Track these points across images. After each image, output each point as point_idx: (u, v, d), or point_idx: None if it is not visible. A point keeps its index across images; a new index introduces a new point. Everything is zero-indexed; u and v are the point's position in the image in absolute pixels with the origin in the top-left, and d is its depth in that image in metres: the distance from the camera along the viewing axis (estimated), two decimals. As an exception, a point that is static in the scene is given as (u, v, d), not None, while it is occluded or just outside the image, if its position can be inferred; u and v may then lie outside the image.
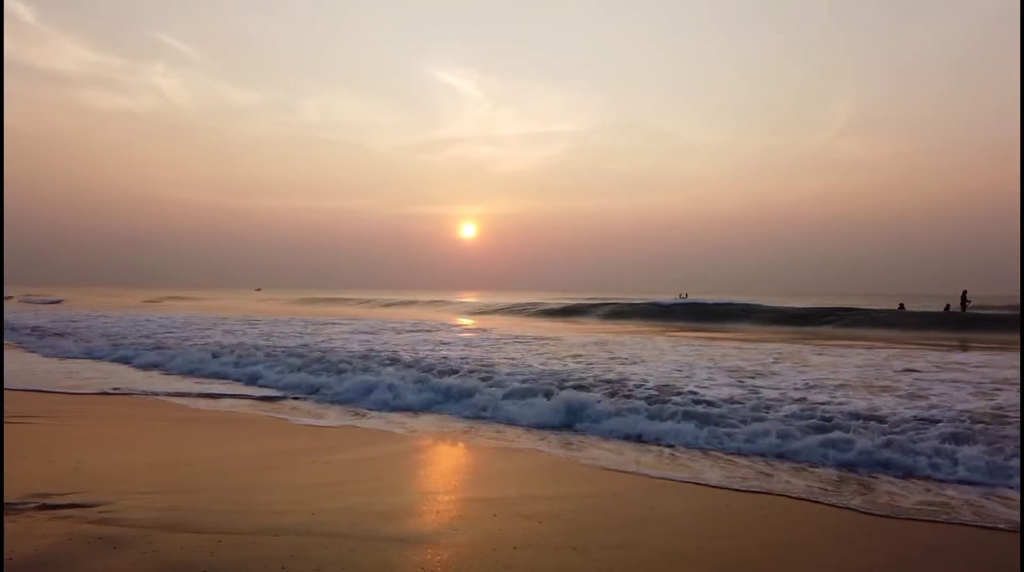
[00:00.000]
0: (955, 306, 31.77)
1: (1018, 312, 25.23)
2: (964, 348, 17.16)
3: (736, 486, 4.94)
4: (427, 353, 13.69)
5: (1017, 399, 8.13)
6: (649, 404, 7.51)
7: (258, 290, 69.57)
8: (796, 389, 9.00)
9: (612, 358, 13.17)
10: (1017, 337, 20.12)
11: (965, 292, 32.46)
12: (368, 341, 16.82)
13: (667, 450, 6.17)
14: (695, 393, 8.43)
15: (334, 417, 7.70)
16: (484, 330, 22.93)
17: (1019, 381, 9.72)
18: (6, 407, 7.13)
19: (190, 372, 11.01)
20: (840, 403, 7.82)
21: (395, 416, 7.78)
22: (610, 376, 10.07)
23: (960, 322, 28.40)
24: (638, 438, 6.56)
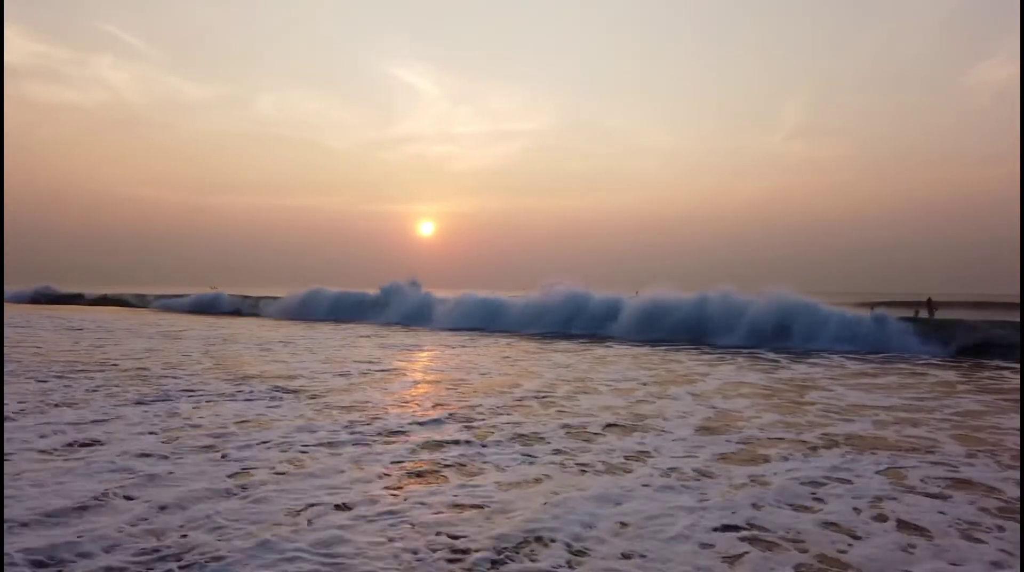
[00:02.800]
0: (924, 313, 27.74)
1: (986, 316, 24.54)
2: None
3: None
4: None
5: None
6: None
7: (214, 289, 67.95)
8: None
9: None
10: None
11: (930, 298, 30.75)
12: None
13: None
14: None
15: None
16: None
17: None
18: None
19: None
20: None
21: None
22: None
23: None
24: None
